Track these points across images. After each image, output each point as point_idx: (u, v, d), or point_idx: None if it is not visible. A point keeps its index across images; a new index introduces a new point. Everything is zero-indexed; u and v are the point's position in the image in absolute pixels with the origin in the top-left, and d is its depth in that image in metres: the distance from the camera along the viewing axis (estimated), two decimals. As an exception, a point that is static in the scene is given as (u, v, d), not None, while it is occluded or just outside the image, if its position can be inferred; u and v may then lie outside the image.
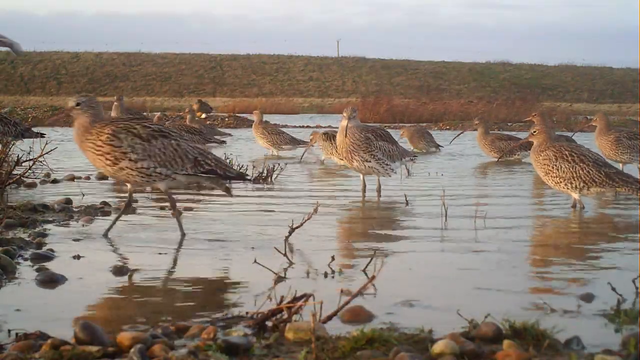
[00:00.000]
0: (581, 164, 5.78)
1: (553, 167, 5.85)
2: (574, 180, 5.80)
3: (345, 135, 6.59)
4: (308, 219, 4.27)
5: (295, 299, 2.82)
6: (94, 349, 2.48)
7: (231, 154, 9.01)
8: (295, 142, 11.69)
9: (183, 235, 4.64)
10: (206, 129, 14.56)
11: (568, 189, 5.88)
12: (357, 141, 6.63)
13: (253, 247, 4.33)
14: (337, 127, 11.59)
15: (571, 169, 5.79)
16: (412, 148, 12.75)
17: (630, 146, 8.32)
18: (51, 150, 7.03)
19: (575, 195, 5.92)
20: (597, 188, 5.81)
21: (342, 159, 7.03)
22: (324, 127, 18.84)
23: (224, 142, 12.19)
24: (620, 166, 8.00)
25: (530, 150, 6.28)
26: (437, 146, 13.10)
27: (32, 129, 8.95)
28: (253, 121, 12.27)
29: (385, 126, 17.55)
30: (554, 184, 5.92)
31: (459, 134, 11.47)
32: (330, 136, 10.05)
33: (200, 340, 2.62)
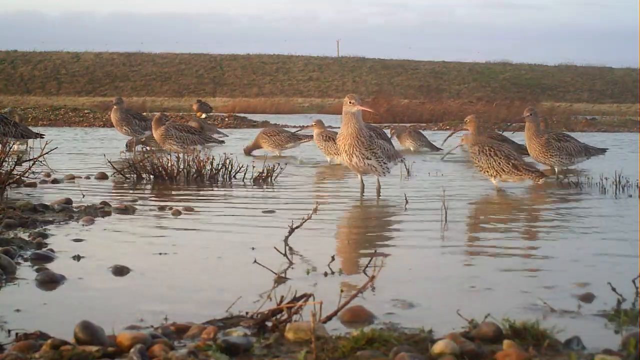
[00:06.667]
0: (495, 157, 7.14)
1: (477, 159, 7.27)
2: (489, 169, 7.19)
3: (356, 124, 6.47)
4: (308, 219, 4.26)
5: (295, 299, 2.82)
6: (94, 348, 2.48)
7: (231, 153, 9.01)
8: (296, 139, 11.75)
9: None
10: (208, 126, 14.60)
11: (487, 176, 7.27)
12: (361, 137, 6.53)
13: (253, 247, 4.33)
14: (337, 127, 11.61)
15: (487, 161, 7.16)
16: (400, 146, 12.74)
17: (560, 148, 8.56)
18: (51, 150, 7.03)
19: (494, 182, 7.31)
20: (506, 176, 7.18)
21: (340, 154, 6.85)
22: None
23: (222, 141, 12.20)
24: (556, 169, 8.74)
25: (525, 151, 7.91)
26: (433, 147, 12.85)
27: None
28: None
29: (385, 126, 17.55)
30: (478, 171, 7.39)
31: (451, 134, 10.72)
32: (328, 136, 10.08)
33: (200, 340, 2.62)
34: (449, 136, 9.63)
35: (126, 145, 12.67)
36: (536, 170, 7.20)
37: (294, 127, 20.76)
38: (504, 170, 7.12)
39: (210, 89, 52.43)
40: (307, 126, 11.25)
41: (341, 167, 9.48)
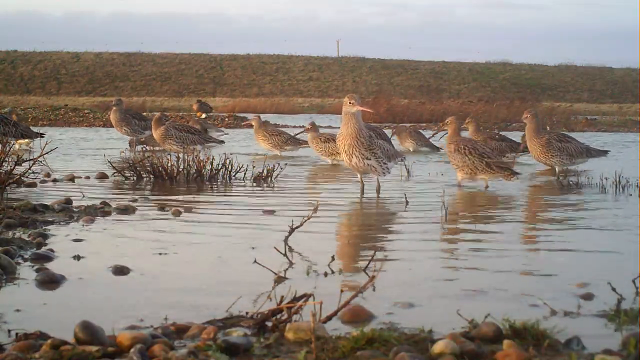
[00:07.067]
0: (469, 156, 7.32)
1: (452, 158, 7.46)
2: (465, 167, 7.36)
3: (356, 124, 6.45)
4: (308, 219, 4.26)
5: (295, 299, 2.82)
6: (94, 348, 2.48)
7: (231, 153, 9.01)
8: (296, 142, 11.72)
9: None
10: (209, 125, 14.61)
11: (463, 173, 7.41)
12: (361, 137, 6.53)
13: (253, 247, 4.33)
14: (336, 127, 11.59)
15: (462, 159, 7.33)
16: (400, 146, 12.73)
17: (561, 148, 8.61)
18: (51, 150, 7.03)
19: (459, 177, 7.51)
20: (482, 174, 7.38)
21: (340, 154, 6.83)
22: (324, 127, 18.84)
23: (222, 141, 12.20)
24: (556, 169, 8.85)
25: (521, 152, 8.14)
26: (433, 147, 12.84)
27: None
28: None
29: (385, 126, 17.54)
30: (455, 169, 7.54)
31: (434, 134, 9.77)
32: (327, 138, 10.10)
33: (200, 340, 2.62)
34: (432, 136, 9.70)
35: (129, 145, 12.68)
36: (508, 169, 7.48)
37: (294, 127, 20.73)
38: (477, 169, 7.33)
39: (210, 89, 52.43)
40: (303, 129, 11.17)
41: (341, 167, 9.47)
